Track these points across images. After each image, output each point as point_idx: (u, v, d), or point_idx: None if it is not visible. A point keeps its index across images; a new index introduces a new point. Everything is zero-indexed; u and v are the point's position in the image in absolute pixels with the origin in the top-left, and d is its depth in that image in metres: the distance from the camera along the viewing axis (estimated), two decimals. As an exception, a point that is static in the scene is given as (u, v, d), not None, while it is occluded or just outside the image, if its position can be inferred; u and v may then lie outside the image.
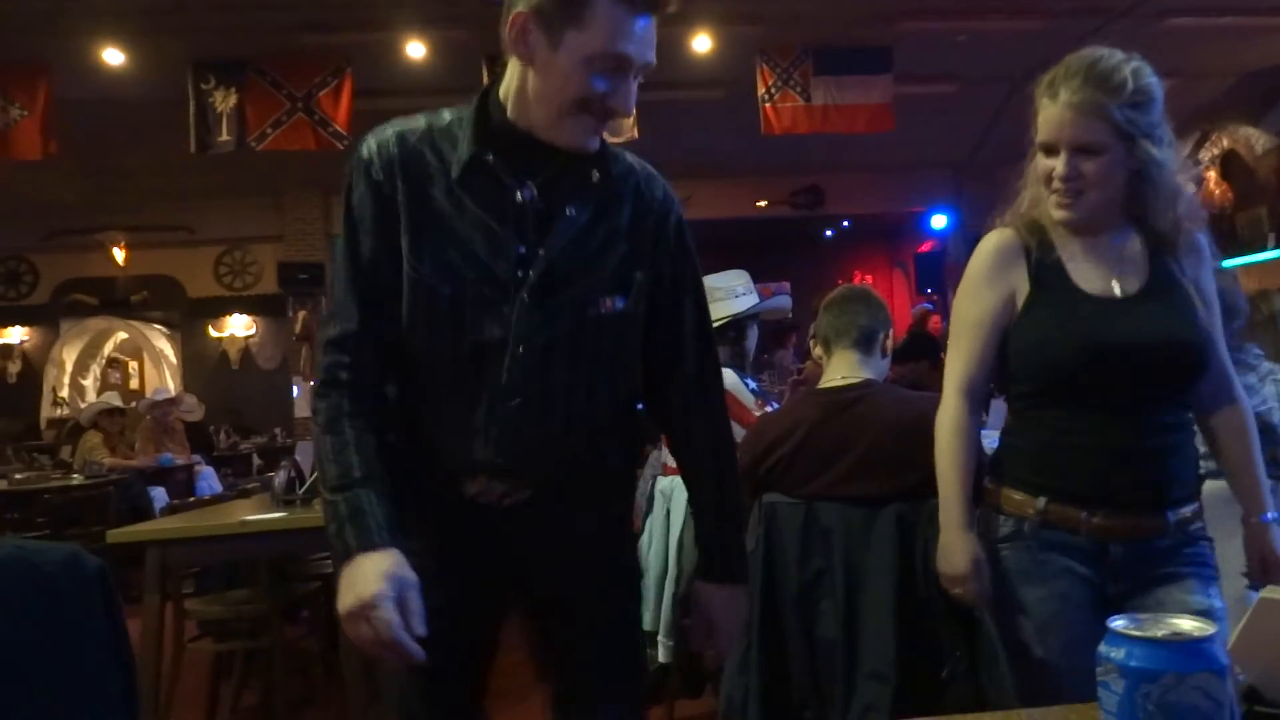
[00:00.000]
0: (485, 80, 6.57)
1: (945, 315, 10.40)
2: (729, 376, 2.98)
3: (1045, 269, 1.54)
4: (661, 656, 2.91)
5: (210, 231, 10.07)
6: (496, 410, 1.36)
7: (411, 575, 1.24)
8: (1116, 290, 1.52)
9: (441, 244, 1.34)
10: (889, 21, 6.44)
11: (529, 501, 1.41)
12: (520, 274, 1.34)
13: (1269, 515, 1.55)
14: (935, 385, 1.74)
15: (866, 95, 6.78)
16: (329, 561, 3.15)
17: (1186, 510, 1.52)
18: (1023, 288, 1.56)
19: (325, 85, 6.45)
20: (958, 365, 1.62)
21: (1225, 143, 8.87)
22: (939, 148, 9.16)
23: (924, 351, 4.48)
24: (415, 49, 6.46)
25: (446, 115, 1.40)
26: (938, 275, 10.83)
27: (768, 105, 6.75)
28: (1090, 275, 1.53)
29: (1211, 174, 9.11)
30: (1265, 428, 2.08)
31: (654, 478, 3.22)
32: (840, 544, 2.22)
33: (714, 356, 1.53)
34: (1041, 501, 1.51)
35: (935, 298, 10.71)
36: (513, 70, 1.34)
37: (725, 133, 7.62)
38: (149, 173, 8.22)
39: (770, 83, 6.74)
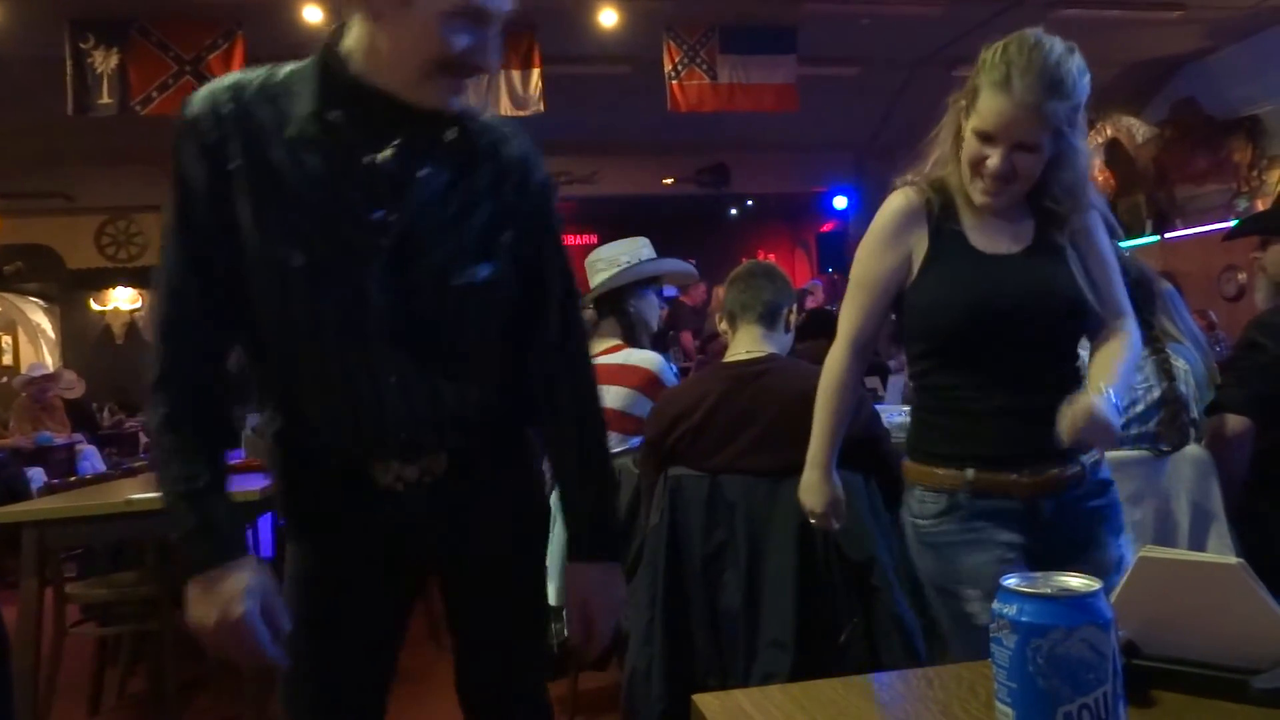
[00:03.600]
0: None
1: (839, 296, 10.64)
2: (653, 360, 2.95)
3: (944, 232, 1.57)
4: (566, 630, 2.91)
5: (91, 199, 9.54)
6: (379, 390, 1.28)
7: (268, 576, 1.24)
8: (1008, 249, 1.56)
9: (288, 210, 1.22)
10: (794, 1, 6.51)
11: (436, 482, 1.35)
12: (379, 241, 1.24)
13: (1110, 392, 1.44)
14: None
15: (771, 75, 6.85)
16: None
17: (1093, 454, 1.58)
18: (920, 248, 1.58)
19: (216, 48, 6.17)
20: (849, 319, 1.67)
21: (1109, 131, 9.26)
22: (841, 130, 9.32)
23: (824, 328, 4.56)
24: (312, 13, 6.23)
25: (286, 68, 1.27)
26: (839, 255, 11.04)
27: (674, 82, 6.75)
28: (985, 238, 1.57)
29: (1096, 161, 9.52)
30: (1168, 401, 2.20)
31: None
32: (743, 516, 2.26)
33: (578, 324, 1.46)
34: (970, 472, 1.54)
35: (837, 276, 10.93)
36: (360, 24, 1.23)
37: (632, 109, 7.59)
38: (22, 135, 7.73)
39: (677, 59, 6.74)
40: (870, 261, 1.63)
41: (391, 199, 1.25)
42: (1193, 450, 2.22)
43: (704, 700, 0.96)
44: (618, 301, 3.00)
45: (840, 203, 10.75)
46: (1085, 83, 1.48)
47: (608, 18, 6.54)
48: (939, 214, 1.58)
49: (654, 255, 3.09)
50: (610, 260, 3.05)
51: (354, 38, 1.24)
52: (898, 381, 4.72)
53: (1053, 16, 6.50)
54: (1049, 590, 0.74)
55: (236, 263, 1.24)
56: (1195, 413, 2.26)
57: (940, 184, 1.59)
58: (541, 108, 6.51)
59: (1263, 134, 7.89)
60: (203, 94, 1.25)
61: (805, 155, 10.14)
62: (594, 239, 13.33)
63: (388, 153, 1.24)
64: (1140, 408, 2.19)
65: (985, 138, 1.48)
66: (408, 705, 3.41)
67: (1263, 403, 2.24)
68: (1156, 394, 2.20)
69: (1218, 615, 0.94)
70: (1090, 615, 0.73)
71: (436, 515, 1.37)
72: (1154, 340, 2.26)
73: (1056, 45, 1.47)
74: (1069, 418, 1.40)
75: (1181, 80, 8.55)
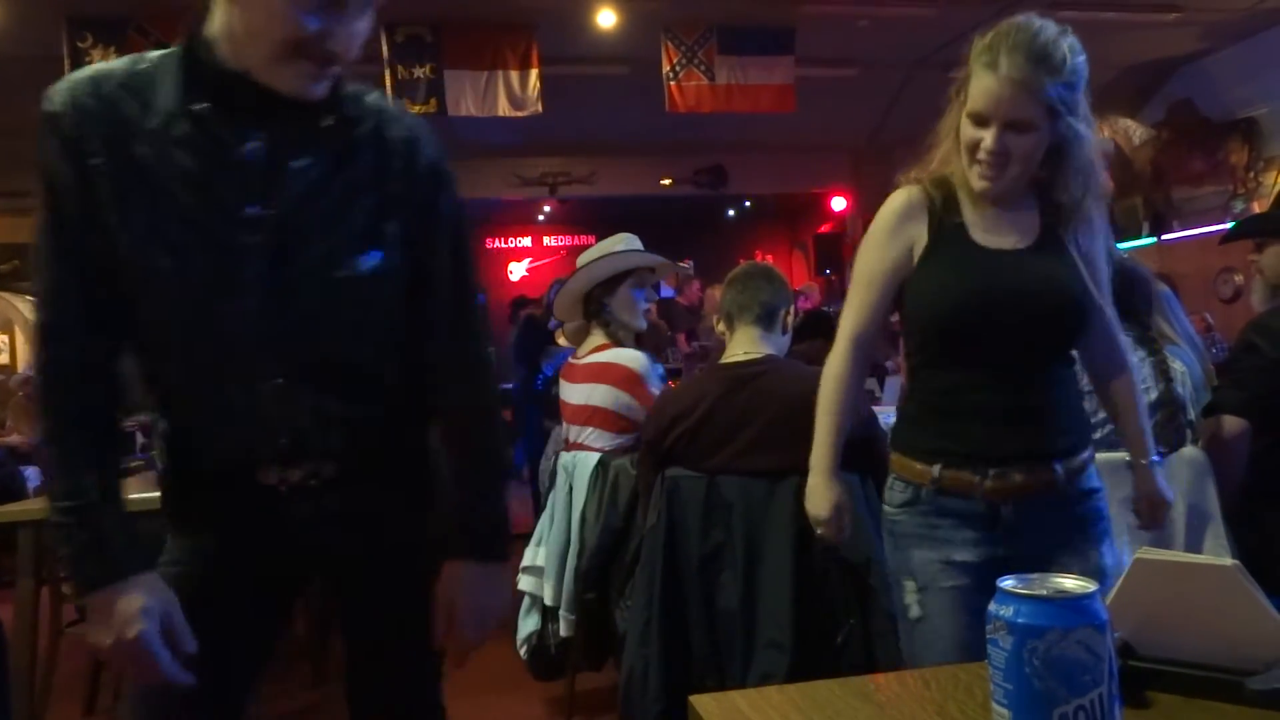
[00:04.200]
0: (383, 47, 6.31)
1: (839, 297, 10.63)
2: (635, 358, 2.95)
3: (946, 226, 1.57)
4: (563, 630, 2.92)
5: (89, 198, 9.52)
6: (263, 392, 1.23)
7: (169, 594, 1.19)
8: (1011, 244, 1.56)
9: (155, 210, 1.17)
10: (792, 2, 6.51)
11: (326, 485, 1.30)
12: (253, 238, 1.19)
13: (1154, 457, 1.66)
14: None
15: (769, 76, 6.85)
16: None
17: (1076, 460, 1.58)
18: (921, 242, 1.58)
19: (213, 47, 6.17)
20: (850, 316, 1.66)
21: (1106, 133, 9.26)
22: (839, 130, 9.32)
23: (821, 329, 4.57)
24: (310, 13, 6.23)
25: (152, 58, 1.21)
26: (837, 256, 11.04)
27: (672, 83, 6.75)
28: (987, 234, 1.57)
29: (1109, 146, 9.54)
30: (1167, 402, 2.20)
31: (556, 454, 3.21)
32: (740, 517, 2.26)
33: (471, 315, 1.40)
34: (937, 468, 1.55)
35: (834, 278, 10.94)
36: (219, 3, 1.17)
37: (630, 109, 7.59)
38: (19, 134, 7.70)
39: (675, 60, 6.74)
40: (871, 257, 1.63)
41: (265, 193, 1.19)
42: (1189, 452, 2.22)
43: (701, 701, 0.97)
44: (594, 301, 3.01)
45: (838, 204, 10.75)
46: (1080, 63, 1.48)
47: (606, 18, 6.54)
48: (941, 209, 1.58)
49: (630, 248, 3.06)
50: (583, 260, 3.07)
51: (217, 20, 1.18)
52: (894, 383, 4.72)
53: (1049, 19, 6.50)
54: (1045, 592, 0.74)
55: (111, 262, 1.19)
56: (1192, 414, 2.26)
57: (942, 180, 1.60)
58: (539, 108, 6.51)
59: (1259, 136, 7.90)
60: (62, 87, 1.19)
61: (803, 156, 10.14)
62: (591, 240, 13.34)
63: (259, 144, 1.19)
64: (1137, 409, 2.19)
65: (978, 119, 1.49)
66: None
67: (1260, 405, 2.25)
68: (1154, 395, 2.20)
69: (1213, 617, 0.94)
70: (1086, 617, 0.73)
71: (324, 519, 1.31)
72: (1150, 342, 2.26)
73: (1049, 26, 1.49)
74: (1144, 515, 1.70)
75: (1178, 82, 8.56)
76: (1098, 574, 1.55)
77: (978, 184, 1.53)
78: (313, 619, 3.78)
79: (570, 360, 3.14)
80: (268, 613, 1.40)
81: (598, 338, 3.03)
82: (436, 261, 1.33)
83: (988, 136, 1.48)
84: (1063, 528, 1.58)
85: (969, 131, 1.51)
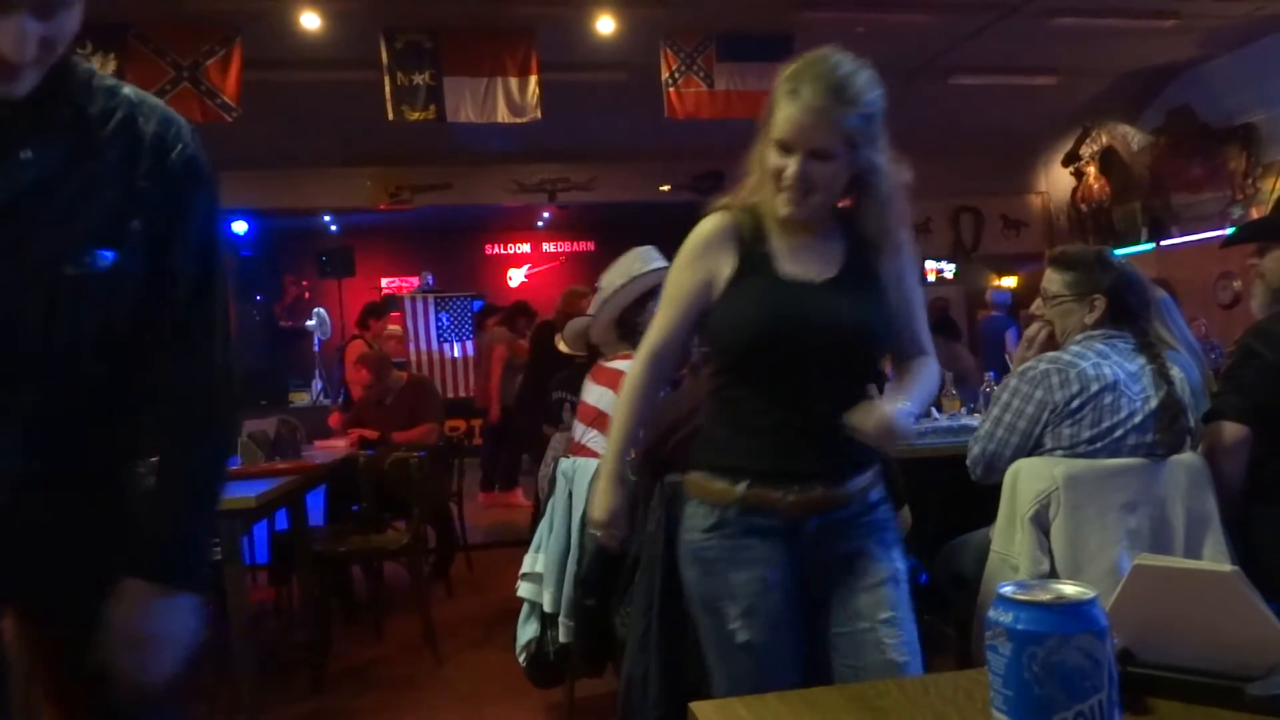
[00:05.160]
0: (383, 54, 6.30)
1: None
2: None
3: (753, 255, 1.62)
4: (562, 636, 2.91)
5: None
6: None
7: None
8: (813, 277, 1.60)
9: None
10: (790, 9, 6.53)
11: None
12: None
13: (906, 403, 1.55)
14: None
15: (768, 82, 6.83)
16: (213, 546, 3.02)
17: (864, 478, 1.63)
18: (727, 268, 1.63)
19: (213, 54, 6.18)
20: (654, 332, 1.71)
21: (1104, 139, 9.30)
22: (837, 137, 9.35)
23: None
24: (309, 20, 6.25)
25: None
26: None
27: (671, 89, 6.77)
28: (792, 264, 1.61)
29: (1091, 169, 9.55)
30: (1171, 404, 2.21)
31: (555, 460, 3.21)
32: (740, 523, 2.26)
33: (210, 321, 1.30)
34: (741, 486, 1.58)
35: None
36: None
37: (629, 116, 7.60)
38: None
39: (674, 67, 6.76)
40: (677, 279, 1.68)
41: None
42: (1188, 457, 2.23)
43: (701, 708, 0.97)
44: (626, 324, 3.10)
45: (837, 210, 10.78)
46: (875, 96, 1.55)
47: (605, 25, 6.56)
48: (750, 237, 1.63)
49: (650, 264, 3.11)
50: (607, 285, 3.14)
51: None
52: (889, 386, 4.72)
53: (1048, 25, 6.53)
54: (1046, 598, 0.74)
55: None
56: (1191, 420, 2.26)
57: (753, 209, 1.65)
58: (539, 115, 6.53)
59: (1257, 142, 7.92)
60: None
61: (802, 162, 10.16)
62: (591, 245, 13.35)
63: None
64: (1139, 418, 2.19)
65: (782, 147, 1.55)
66: (405, 711, 3.40)
67: (1260, 411, 2.25)
68: (1154, 404, 2.20)
69: (1213, 622, 0.94)
70: (1086, 623, 0.73)
71: (8, 542, 1.22)
72: (1149, 348, 2.26)
73: (846, 60, 1.55)
74: (860, 415, 1.50)
75: (1177, 88, 8.58)
76: (894, 577, 1.61)
77: (782, 210, 1.58)
78: (311, 626, 3.79)
79: (600, 361, 3.19)
80: None
81: (631, 349, 3.09)
82: (179, 263, 1.27)
83: (791, 164, 1.54)
84: (858, 536, 1.62)
85: (774, 159, 1.57)
